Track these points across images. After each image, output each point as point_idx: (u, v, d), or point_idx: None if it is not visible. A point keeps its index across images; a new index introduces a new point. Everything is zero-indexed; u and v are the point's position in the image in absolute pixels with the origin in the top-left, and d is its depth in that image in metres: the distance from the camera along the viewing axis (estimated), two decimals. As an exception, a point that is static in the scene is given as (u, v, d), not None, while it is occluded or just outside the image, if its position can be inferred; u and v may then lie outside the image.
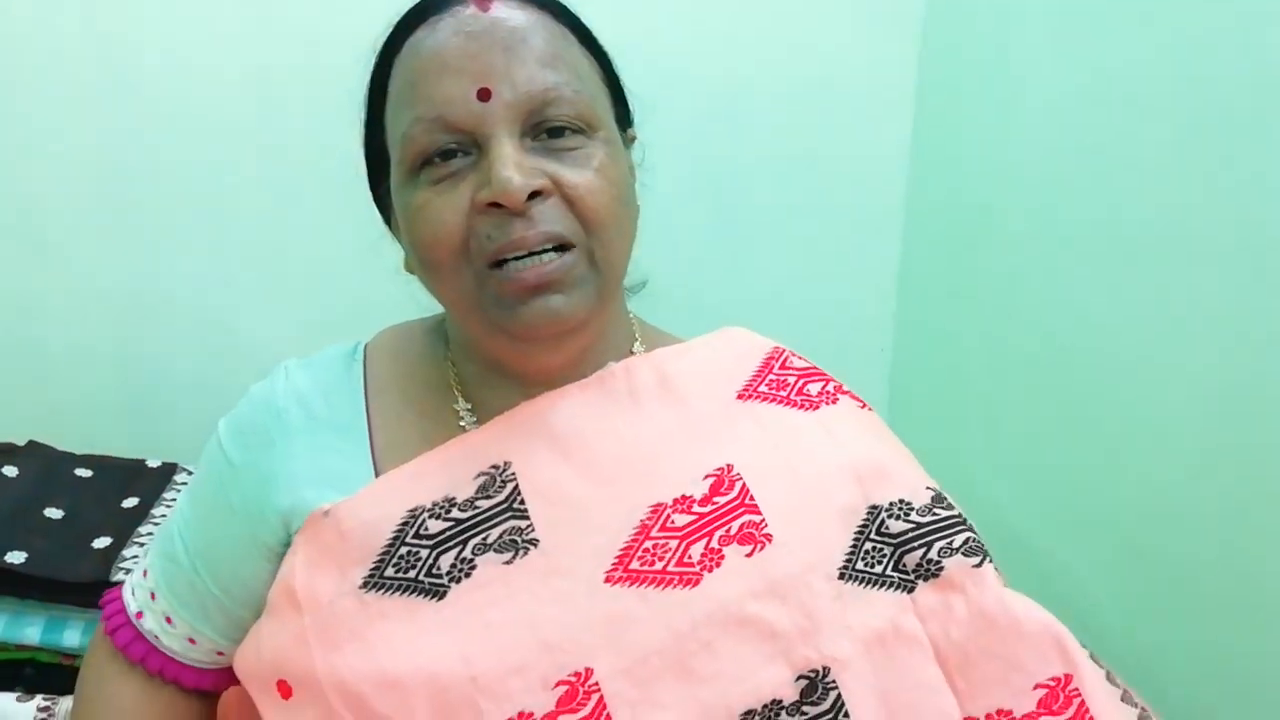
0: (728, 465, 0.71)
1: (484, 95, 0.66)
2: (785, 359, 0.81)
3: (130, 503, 1.33)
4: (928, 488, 0.74)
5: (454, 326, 0.80)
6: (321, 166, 1.53)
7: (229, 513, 0.76)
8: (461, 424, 0.76)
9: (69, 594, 1.15)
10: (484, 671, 0.65)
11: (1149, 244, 1.15)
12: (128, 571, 1.16)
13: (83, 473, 1.38)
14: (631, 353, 0.80)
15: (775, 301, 1.69)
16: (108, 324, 1.58)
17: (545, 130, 0.68)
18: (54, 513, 1.27)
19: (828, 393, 0.78)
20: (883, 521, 0.71)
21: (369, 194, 0.82)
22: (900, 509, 0.72)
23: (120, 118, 1.51)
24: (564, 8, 0.74)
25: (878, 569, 0.70)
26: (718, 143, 1.63)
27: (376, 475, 0.73)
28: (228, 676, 0.79)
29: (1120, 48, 1.20)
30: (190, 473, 1.42)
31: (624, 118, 0.78)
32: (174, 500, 1.36)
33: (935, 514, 0.73)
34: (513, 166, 0.66)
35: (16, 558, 1.14)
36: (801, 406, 0.75)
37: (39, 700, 1.09)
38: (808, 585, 0.68)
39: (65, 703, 1.08)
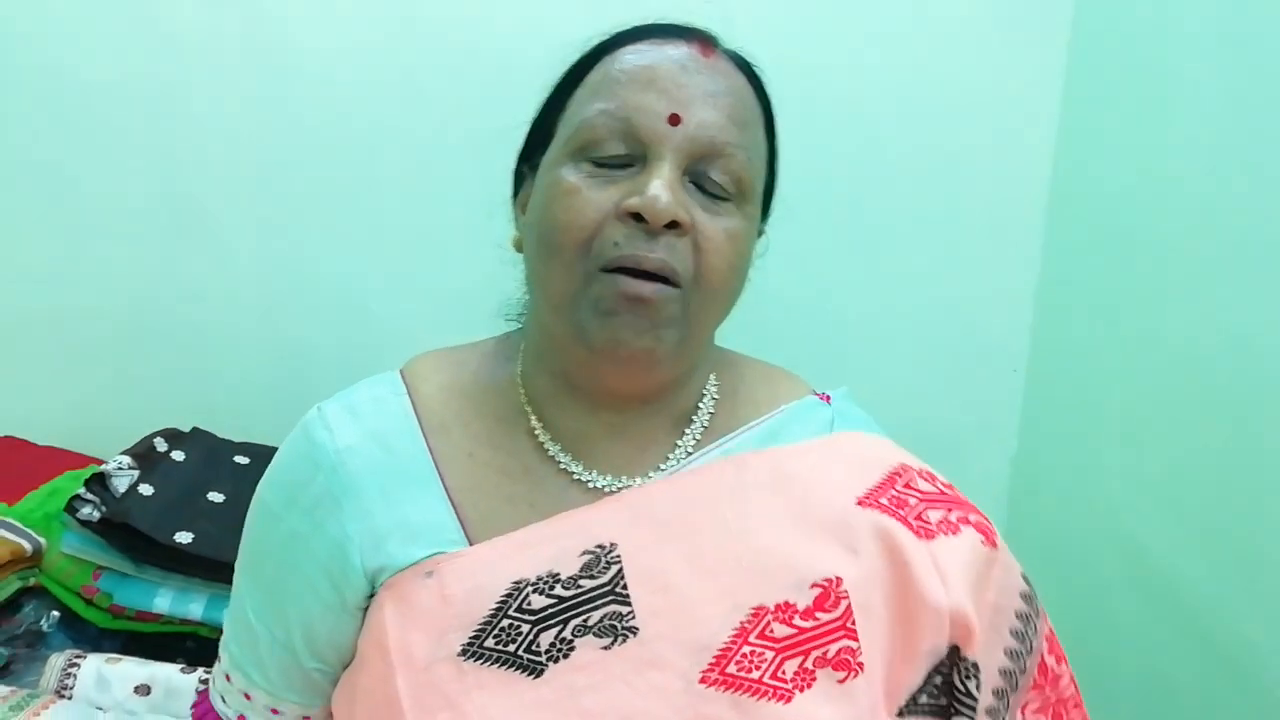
0: (836, 579, 0.69)
1: (674, 120, 0.69)
2: (911, 478, 0.76)
3: (283, 490, 1.41)
4: (1001, 670, 0.71)
5: (532, 334, 0.79)
6: (461, 164, 1.61)
7: (306, 584, 0.73)
8: (539, 442, 0.75)
9: (230, 573, 1.22)
10: None
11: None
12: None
13: (240, 459, 1.48)
14: (703, 391, 0.80)
15: (908, 314, 1.69)
16: (260, 312, 1.68)
17: (705, 179, 0.71)
18: (216, 497, 1.36)
19: (949, 522, 0.73)
20: (955, 674, 0.70)
21: (505, 185, 0.82)
22: (972, 671, 0.69)
23: (277, 118, 1.62)
24: (765, 91, 0.77)
25: (930, 703, 0.70)
26: (858, 148, 1.63)
27: (460, 521, 0.72)
28: None
29: (1276, 49, 1.15)
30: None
31: (766, 210, 0.81)
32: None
33: (994, 697, 0.71)
34: (668, 189, 0.68)
35: (185, 537, 1.23)
36: (917, 533, 0.71)
37: (200, 672, 1.17)
38: (880, 717, 0.67)
39: (224, 675, 1.17)
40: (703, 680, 0.66)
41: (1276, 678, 1.13)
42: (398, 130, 1.63)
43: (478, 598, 0.69)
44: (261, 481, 0.78)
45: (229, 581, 1.20)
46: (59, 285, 1.64)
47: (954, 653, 0.69)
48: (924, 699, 0.69)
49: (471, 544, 0.71)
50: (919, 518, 0.72)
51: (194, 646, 1.26)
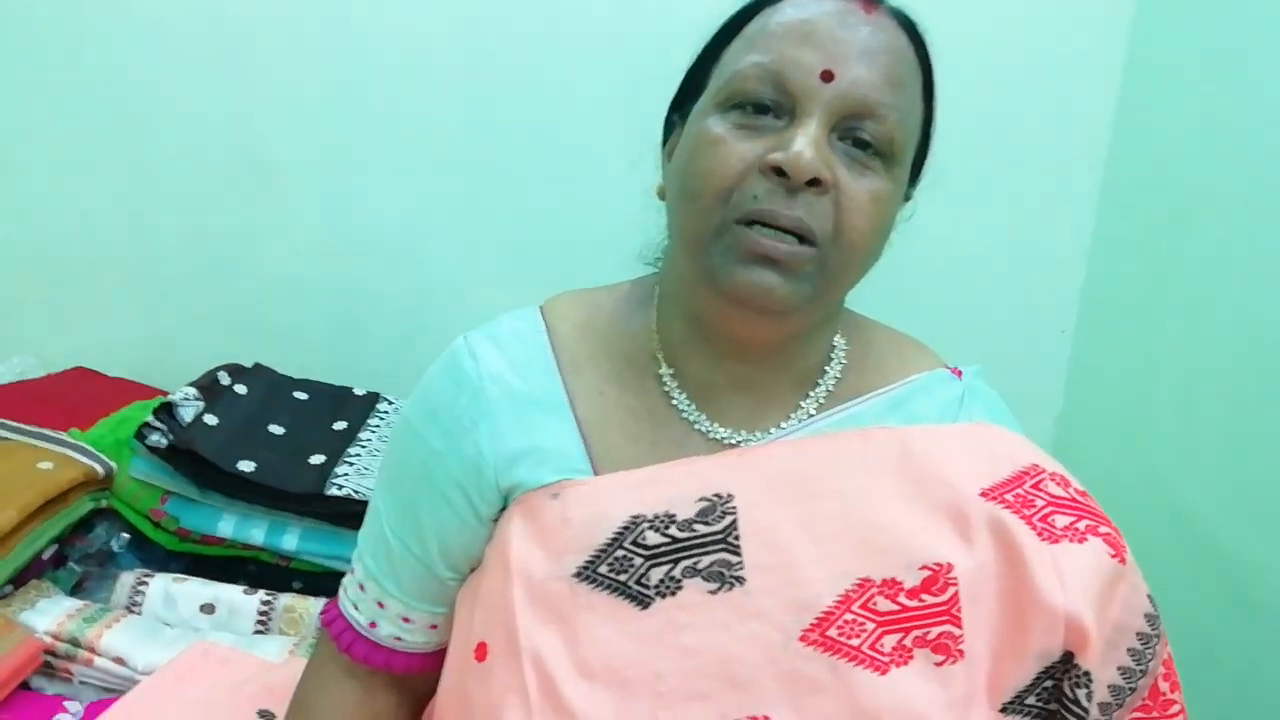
0: (947, 565, 0.69)
1: (827, 77, 0.68)
2: (1041, 480, 0.74)
3: (340, 425, 1.46)
4: (1110, 685, 0.70)
5: (670, 276, 0.80)
6: (520, 125, 1.64)
7: (442, 499, 0.77)
8: (665, 389, 0.78)
9: (289, 502, 1.29)
10: (671, 690, 0.67)
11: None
12: (340, 487, 1.29)
13: (300, 395, 1.52)
14: (834, 345, 0.81)
15: (960, 270, 1.68)
16: (321, 256, 1.72)
17: (854, 138, 0.70)
18: (276, 429, 1.41)
19: (1076, 529, 0.71)
20: (1066, 680, 0.69)
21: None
22: (1084, 680, 0.68)
23: (339, 69, 1.65)
24: (927, 51, 0.75)
25: (1038, 705, 0.69)
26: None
27: (588, 452, 0.76)
28: (435, 661, 0.83)
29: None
30: (390, 401, 1.56)
31: (916, 174, 0.79)
32: (377, 426, 1.49)
33: (1099, 711, 0.70)
34: (813, 146, 0.67)
35: (247, 466, 1.28)
36: (1040, 535, 0.70)
37: (261, 594, 1.23)
38: (978, 707, 0.68)
39: (283, 599, 1.23)
40: (802, 639, 0.68)
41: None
42: (456, 82, 1.65)
43: (597, 525, 0.72)
44: (406, 404, 0.82)
45: (289, 510, 1.29)
46: (131, 227, 1.70)
47: (1067, 658, 0.68)
48: (1032, 700, 0.69)
49: (596, 474, 0.75)
50: (1044, 519, 0.71)
51: (255, 570, 1.32)
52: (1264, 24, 1.30)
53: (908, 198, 0.79)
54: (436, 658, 0.83)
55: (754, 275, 0.68)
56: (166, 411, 1.32)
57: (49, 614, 1.11)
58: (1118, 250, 1.62)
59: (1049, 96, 1.62)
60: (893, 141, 0.70)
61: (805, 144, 0.67)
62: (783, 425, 0.78)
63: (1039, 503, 0.72)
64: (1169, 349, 1.46)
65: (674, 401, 0.78)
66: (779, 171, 0.67)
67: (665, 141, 0.81)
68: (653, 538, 0.71)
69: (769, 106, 0.70)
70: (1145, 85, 1.57)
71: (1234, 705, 1.24)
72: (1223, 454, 1.34)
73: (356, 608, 0.83)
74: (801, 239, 0.68)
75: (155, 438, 1.28)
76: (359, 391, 1.58)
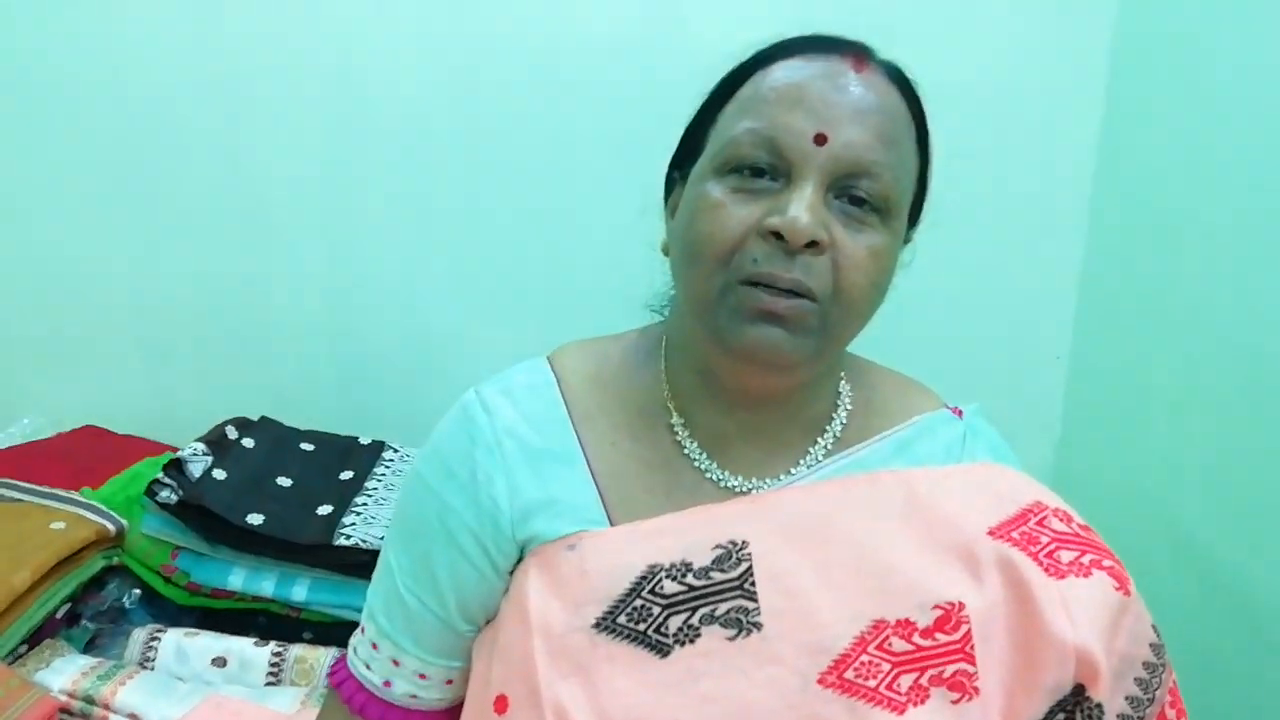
0: (959, 604, 0.70)
1: (820, 140, 0.70)
2: (1044, 516, 0.76)
3: (346, 475, 1.48)
4: (1119, 715, 0.71)
5: (677, 329, 0.81)
6: (521, 175, 1.67)
7: (458, 553, 0.78)
8: (676, 438, 0.79)
9: (298, 554, 1.30)
10: None
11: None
12: (348, 536, 1.31)
13: (306, 446, 1.54)
14: (839, 392, 0.82)
15: (952, 302, 1.70)
16: (324, 309, 1.75)
17: (850, 196, 0.71)
18: (284, 481, 1.42)
19: (1080, 564, 0.73)
20: (1078, 713, 0.69)
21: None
22: (1096, 713, 0.69)
23: (340, 122, 1.68)
24: (919, 102, 0.77)
25: None
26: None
27: (603, 503, 0.77)
28: (449, 718, 0.84)
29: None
30: (395, 450, 1.58)
31: (915, 217, 0.81)
32: (383, 474, 1.50)
33: None
34: (808, 210, 0.69)
35: (256, 519, 1.29)
36: (1047, 570, 0.71)
37: (273, 646, 1.24)
38: None
39: (294, 650, 1.23)
40: (820, 682, 0.69)
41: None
42: (451, 135, 1.68)
43: (615, 575, 0.73)
44: (417, 459, 0.83)
45: (299, 561, 1.30)
46: (137, 285, 1.73)
47: (1078, 691, 0.69)
48: None
49: (612, 525, 0.76)
50: (1050, 555, 0.72)
51: (265, 622, 1.32)
52: (1240, 42, 1.33)
53: (908, 240, 0.81)
54: (451, 715, 0.83)
55: (760, 332, 0.70)
56: (175, 467, 1.33)
57: (64, 672, 1.12)
58: (1107, 273, 1.64)
59: (1032, 128, 1.65)
60: (888, 198, 0.72)
61: (801, 208, 0.69)
62: (793, 471, 0.79)
63: (1044, 539, 0.74)
64: (1160, 372, 1.48)
65: (686, 451, 0.79)
66: (777, 235, 0.69)
67: (667, 198, 0.83)
68: (670, 586, 0.73)
69: (765, 170, 0.71)
70: (1127, 112, 1.60)
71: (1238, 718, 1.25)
72: (1219, 472, 1.35)
73: (369, 667, 0.83)
74: (801, 295, 0.70)
75: (165, 494, 1.29)
76: (364, 441, 1.60)
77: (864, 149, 0.71)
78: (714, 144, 0.75)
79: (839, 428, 0.81)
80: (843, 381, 0.83)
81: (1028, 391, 1.73)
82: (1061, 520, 0.76)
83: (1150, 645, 0.73)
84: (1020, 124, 1.65)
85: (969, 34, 1.63)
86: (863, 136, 0.71)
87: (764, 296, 0.69)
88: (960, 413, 0.85)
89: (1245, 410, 1.29)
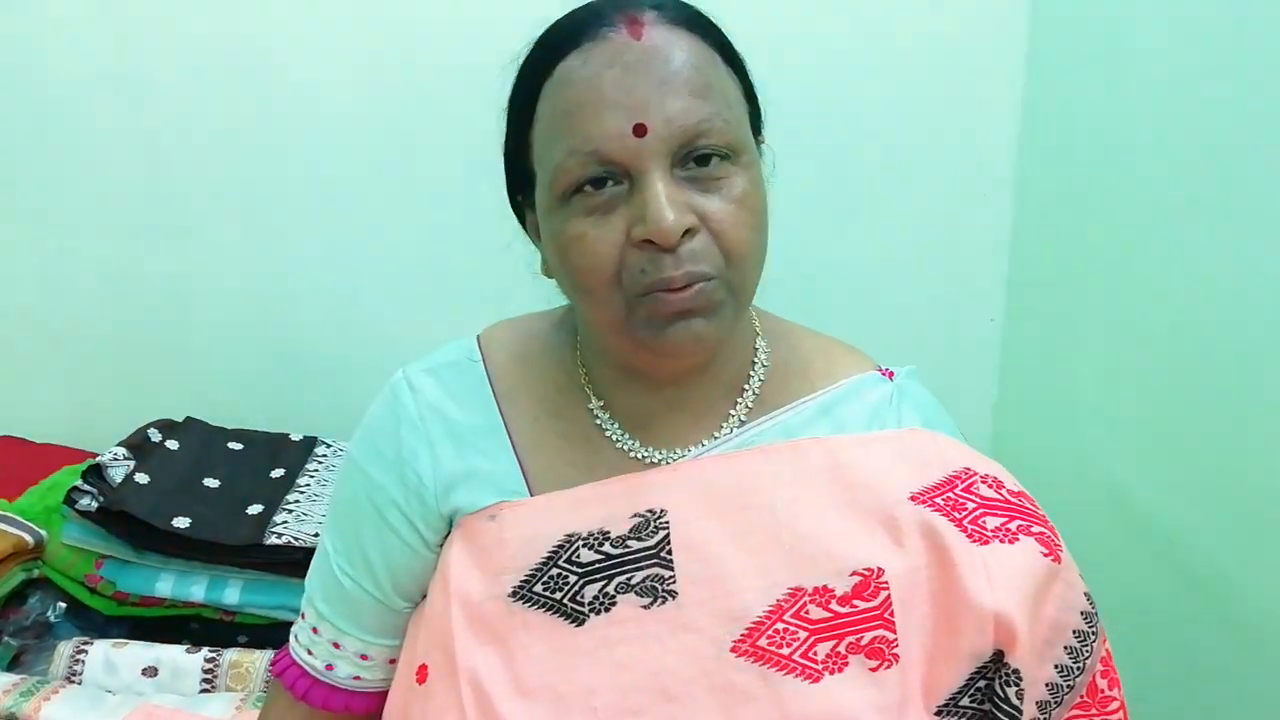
0: (878, 570, 0.70)
1: (640, 131, 0.66)
2: (972, 483, 0.75)
3: (277, 473, 1.44)
4: (1048, 684, 0.71)
5: (587, 333, 0.80)
6: (440, 161, 1.63)
7: (389, 529, 0.78)
8: (598, 422, 0.79)
9: (228, 555, 1.26)
10: (605, 705, 0.69)
11: (1272, 213, 1.12)
12: (279, 535, 1.27)
13: (234, 446, 1.50)
14: (755, 349, 0.81)
15: (884, 268, 1.71)
16: (248, 305, 1.70)
17: (694, 159, 0.68)
18: (211, 482, 1.39)
19: (1008, 530, 0.72)
20: (996, 680, 0.70)
21: (495, 193, 0.81)
22: (1013, 679, 0.69)
23: (259, 117, 1.63)
24: (710, 25, 0.72)
25: (972, 706, 0.70)
26: (827, 103, 1.62)
27: (525, 476, 0.77)
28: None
29: (1240, 7, 1.17)
30: (328, 444, 1.54)
31: (756, 123, 0.77)
32: (316, 470, 1.47)
33: (1036, 709, 0.71)
34: (667, 205, 0.66)
35: (182, 523, 1.25)
36: (970, 536, 0.71)
37: (205, 652, 1.20)
38: (914, 710, 0.69)
39: (228, 654, 1.20)
40: (734, 649, 0.69)
41: (1252, 606, 1.15)
42: (380, 126, 1.64)
43: (532, 545, 0.74)
44: (350, 442, 0.84)
45: (229, 563, 1.27)
46: (51, 288, 1.66)
47: (998, 657, 0.69)
48: (965, 701, 0.70)
49: (533, 496, 0.77)
50: (975, 522, 0.72)
51: (198, 628, 1.29)
52: (1160, 7, 1.34)
53: (761, 153, 0.77)
54: None
55: (679, 330, 0.68)
56: (96, 473, 1.29)
57: (-17, 692, 1.08)
58: (1038, 236, 1.65)
59: (957, 90, 1.65)
60: (730, 142, 0.69)
61: (659, 207, 0.66)
62: (716, 435, 0.78)
63: (970, 505, 0.73)
64: (1091, 331, 1.50)
65: (608, 432, 0.79)
66: (651, 242, 0.67)
67: (523, 222, 0.80)
68: (587, 555, 0.73)
69: (603, 178, 0.68)
70: (1049, 73, 1.61)
71: (1174, 676, 1.27)
72: (1148, 426, 1.37)
73: (310, 652, 0.83)
74: (700, 278, 0.68)
75: (85, 501, 1.25)
76: (295, 437, 1.56)
77: (684, 114, 0.67)
78: (542, 172, 0.71)
79: (758, 386, 0.80)
80: (759, 338, 0.82)
81: (963, 354, 1.74)
82: (990, 486, 0.75)
83: (1082, 613, 0.73)
84: (946, 86, 1.65)
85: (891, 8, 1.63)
86: (677, 103, 0.67)
87: (669, 299, 0.67)
88: (891, 375, 0.84)
89: (1178, 368, 1.30)
